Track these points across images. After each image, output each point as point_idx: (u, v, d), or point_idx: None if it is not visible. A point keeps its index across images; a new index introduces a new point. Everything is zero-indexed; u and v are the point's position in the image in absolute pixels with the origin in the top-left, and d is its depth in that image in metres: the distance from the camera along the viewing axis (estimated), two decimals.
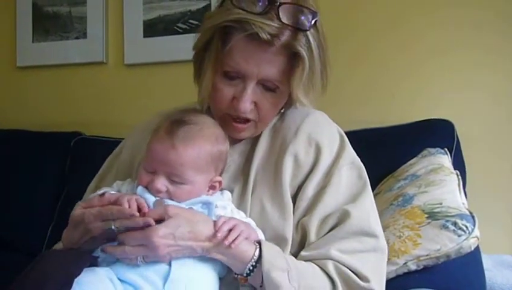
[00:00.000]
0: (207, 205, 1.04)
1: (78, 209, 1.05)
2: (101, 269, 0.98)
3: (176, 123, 1.03)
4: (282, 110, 1.22)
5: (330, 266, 1.04)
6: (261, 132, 1.19)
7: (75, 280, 0.93)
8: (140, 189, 1.04)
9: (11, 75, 2.67)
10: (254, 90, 1.08)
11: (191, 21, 2.35)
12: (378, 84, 2.11)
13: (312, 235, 1.09)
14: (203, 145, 1.04)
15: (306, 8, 1.05)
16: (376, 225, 1.11)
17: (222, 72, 1.09)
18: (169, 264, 0.98)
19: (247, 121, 1.12)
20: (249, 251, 1.00)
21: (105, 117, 2.49)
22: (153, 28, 2.41)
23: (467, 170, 1.78)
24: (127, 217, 0.97)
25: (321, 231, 1.09)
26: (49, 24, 2.59)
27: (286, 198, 1.11)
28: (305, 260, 1.06)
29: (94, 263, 1.01)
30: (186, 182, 1.02)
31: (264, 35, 1.01)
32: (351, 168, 1.16)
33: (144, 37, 2.42)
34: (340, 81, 2.09)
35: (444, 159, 1.64)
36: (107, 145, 2.13)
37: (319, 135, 1.16)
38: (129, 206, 0.97)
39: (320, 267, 1.05)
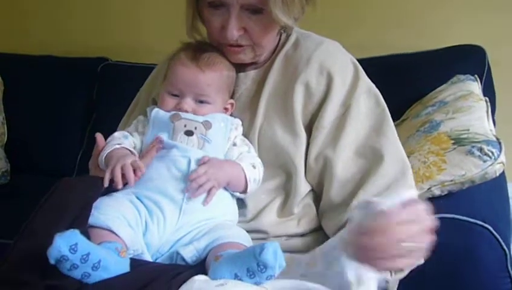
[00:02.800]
0: (224, 120, 1.11)
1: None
2: (118, 193, 1.02)
3: (198, 51, 1.12)
4: (283, 33, 1.20)
5: None
6: (275, 59, 1.19)
7: (93, 204, 0.96)
8: (155, 110, 1.11)
9: (38, 0, 2.65)
10: (239, 16, 1.07)
11: None
12: (408, 8, 2.05)
13: (338, 170, 1.09)
14: (223, 69, 1.13)
15: None
16: (405, 155, 1.13)
17: (207, 3, 1.09)
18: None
19: (240, 46, 1.13)
20: None
21: (133, 42, 2.48)
22: None
23: (496, 97, 1.75)
24: None
25: (350, 168, 1.10)
26: None
27: (298, 126, 1.12)
28: None
29: (110, 188, 1.03)
30: (210, 101, 1.11)
31: None
32: (368, 96, 1.15)
33: None
34: (368, 3, 2.05)
35: (474, 86, 1.61)
36: (134, 71, 2.17)
37: (331, 64, 1.15)
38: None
39: None
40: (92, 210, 0.94)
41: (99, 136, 1.13)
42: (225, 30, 1.08)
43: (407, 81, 1.82)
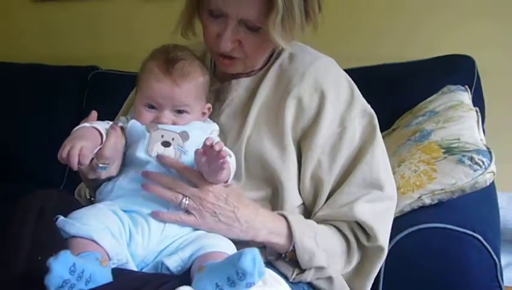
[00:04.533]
0: (201, 128, 1.10)
1: None
2: (100, 204, 1.01)
3: (169, 62, 1.08)
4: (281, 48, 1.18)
5: (345, 227, 1.11)
6: (269, 69, 1.18)
7: (72, 215, 0.95)
8: (132, 122, 1.08)
9: (29, 9, 2.64)
10: (236, 30, 1.07)
11: None
12: (399, 19, 2.06)
13: (325, 194, 1.13)
14: (197, 77, 1.10)
15: None
16: (384, 175, 1.14)
17: (208, 11, 1.09)
18: None
19: (232, 58, 1.12)
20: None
21: (123, 51, 2.48)
22: None
23: (486, 106, 1.76)
24: None
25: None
26: None
27: (287, 139, 1.12)
28: (322, 220, 1.12)
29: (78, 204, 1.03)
30: (188, 110, 1.09)
31: None
32: (363, 116, 1.16)
33: None
34: (359, 14, 2.06)
35: (464, 96, 1.62)
36: (124, 80, 2.17)
37: (325, 81, 1.14)
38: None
39: (336, 227, 1.12)
40: (74, 221, 0.94)
41: (93, 113, 1.11)
42: (220, 40, 1.07)
43: (397, 91, 1.83)
